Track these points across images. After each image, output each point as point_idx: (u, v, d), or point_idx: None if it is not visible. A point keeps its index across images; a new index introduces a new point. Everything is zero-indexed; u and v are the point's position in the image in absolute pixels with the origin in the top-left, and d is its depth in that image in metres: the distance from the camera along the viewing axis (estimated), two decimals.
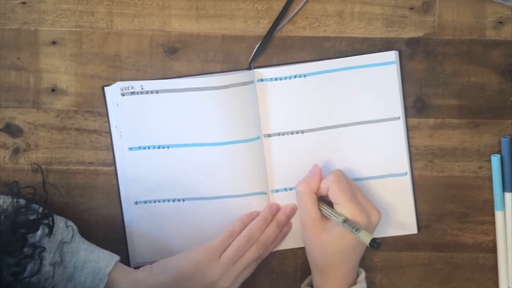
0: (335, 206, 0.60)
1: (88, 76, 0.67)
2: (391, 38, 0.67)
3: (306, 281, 0.65)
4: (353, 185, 0.62)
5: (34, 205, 0.59)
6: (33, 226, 0.57)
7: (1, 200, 0.59)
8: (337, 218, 0.59)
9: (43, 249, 0.57)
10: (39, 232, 0.58)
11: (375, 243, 0.55)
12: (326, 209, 0.61)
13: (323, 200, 0.62)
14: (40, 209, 0.59)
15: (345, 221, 0.58)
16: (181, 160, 0.65)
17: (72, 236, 0.61)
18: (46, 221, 0.59)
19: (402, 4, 0.66)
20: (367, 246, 0.56)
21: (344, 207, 0.59)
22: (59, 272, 0.59)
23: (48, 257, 0.58)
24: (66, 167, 0.67)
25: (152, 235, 0.67)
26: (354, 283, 0.62)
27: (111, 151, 0.67)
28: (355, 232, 0.57)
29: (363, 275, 0.63)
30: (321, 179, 0.62)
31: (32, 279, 0.55)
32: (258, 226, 0.64)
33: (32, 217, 0.58)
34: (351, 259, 0.61)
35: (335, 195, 0.60)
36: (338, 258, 0.60)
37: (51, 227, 0.59)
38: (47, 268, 0.58)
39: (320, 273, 0.62)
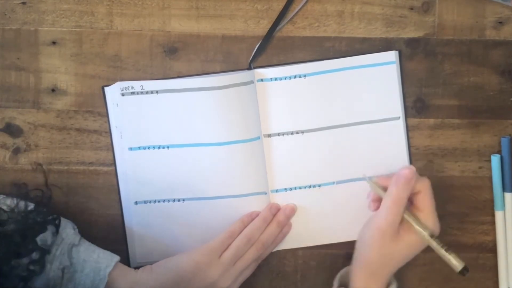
0: (419, 214, 0.60)
1: (88, 76, 0.67)
2: (391, 38, 0.67)
3: (337, 282, 0.63)
4: None
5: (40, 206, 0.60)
6: (41, 228, 0.58)
7: (10, 200, 0.59)
8: (423, 231, 0.59)
9: (49, 251, 0.57)
10: (47, 234, 0.58)
11: (467, 271, 0.56)
12: (411, 217, 0.60)
13: None
14: (45, 209, 0.59)
15: (432, 236, 0.59)
16: (181, 160, 0.65)
17: (80, 239, 0.61)
18: (53, 221, 0.59)
19: (402, 4, 0.66)
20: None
21: (429, 216, 0.60)
22: (60, 274, 0.59)
23: (56, 261, 0.59)
24: (66, 167, 0.67)
25: (152, 235, 0.67)
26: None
27: (111, 151, 0.67)
28: (444, 252, 0.58)
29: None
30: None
31: (41, 284, 0.55)
32: (258, 226, 0.64)
33: (39, 219, 0.58)
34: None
35: (426, 203, 0.60)
36: (401, 263, 0.61)
37: (57, 226, 0.59)
38: (56, 272, 0.58)
39: (371, 274, 0.60)
